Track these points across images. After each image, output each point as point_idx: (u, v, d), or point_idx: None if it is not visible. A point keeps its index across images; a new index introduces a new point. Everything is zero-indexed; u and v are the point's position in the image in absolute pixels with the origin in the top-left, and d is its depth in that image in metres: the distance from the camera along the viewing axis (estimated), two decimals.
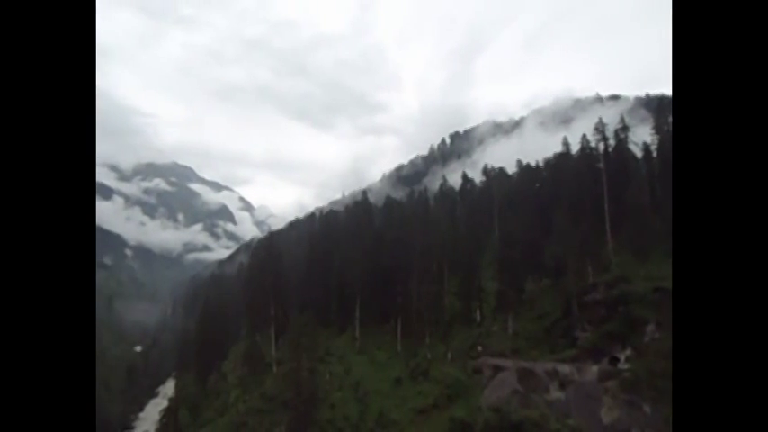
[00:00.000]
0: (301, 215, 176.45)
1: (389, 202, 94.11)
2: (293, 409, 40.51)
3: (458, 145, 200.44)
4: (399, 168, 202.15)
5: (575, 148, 65.71)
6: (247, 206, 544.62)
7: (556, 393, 31.54)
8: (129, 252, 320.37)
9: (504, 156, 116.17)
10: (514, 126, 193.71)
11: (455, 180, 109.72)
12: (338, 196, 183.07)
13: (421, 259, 52.90)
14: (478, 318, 50.08)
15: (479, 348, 42.74)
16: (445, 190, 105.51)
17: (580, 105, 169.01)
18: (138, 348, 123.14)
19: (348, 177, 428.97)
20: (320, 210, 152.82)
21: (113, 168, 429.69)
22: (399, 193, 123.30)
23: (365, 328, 54.01)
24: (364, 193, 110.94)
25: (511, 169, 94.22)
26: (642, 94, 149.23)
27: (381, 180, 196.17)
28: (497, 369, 36.56)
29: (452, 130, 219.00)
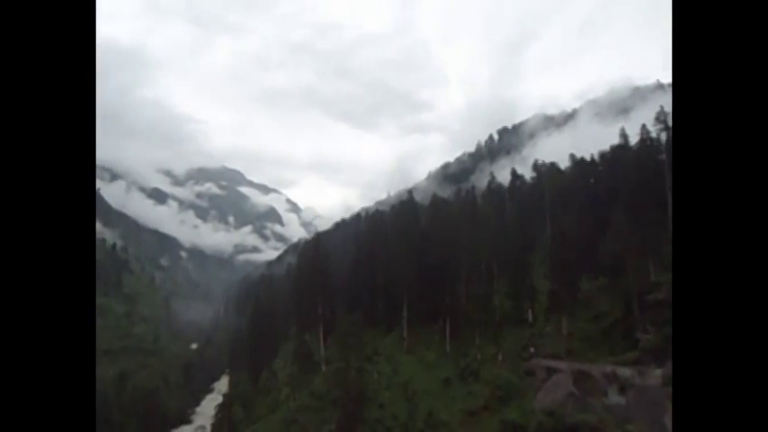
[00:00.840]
0: (347, 216, 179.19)
1: (436, 201, 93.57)
2: (342, 408, 41.46)
3: (506, 140, 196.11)
4: (446, 166, 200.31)
5: (633, 139, 62.52)
6: (294, 208, 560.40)
7: (615, 398, 30.35)
8: (183, 254, 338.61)
9: (557, 150, 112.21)
10: (567, 118, 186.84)
11: (504, 177, 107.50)
12: (384, 196, 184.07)
13: (469, 259, 52.43)
14: (530, 318, 48.97)
15: (532, 350, 41.82)
16: (493, 187, 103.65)
17: (639, 94, 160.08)
18: (194, 346, 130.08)
19: (393, 177, 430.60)
20: (366, 210, 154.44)
21: (168, 174, 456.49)
22: (446, 192, 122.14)
23: (413, 328, 54.24)
24: (410, 192, 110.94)
25: (563, 164, 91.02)
26: None
27: (427, 179, 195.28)
28: (551, 371, 35.66)
29: (500, 126, 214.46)
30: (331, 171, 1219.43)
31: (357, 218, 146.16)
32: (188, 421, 75.42)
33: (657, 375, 30.08)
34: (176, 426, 71.37)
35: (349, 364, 43.85)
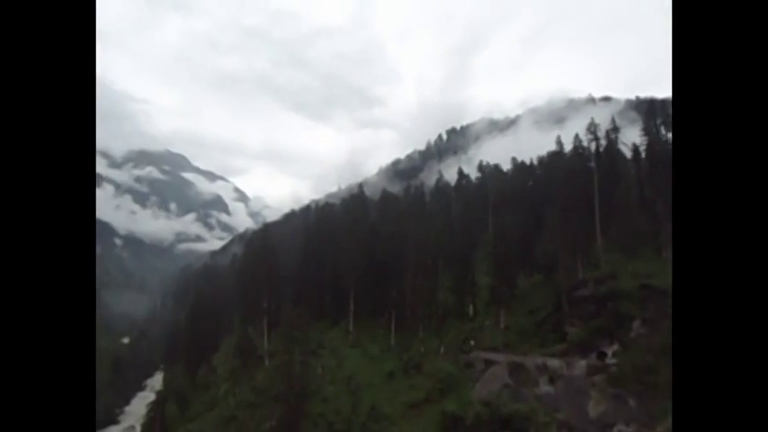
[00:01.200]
0: (297, 207, 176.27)
1: (386, 196, 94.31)
2: (285, 403, 40.91)
3: (454, 141, 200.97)
4: (396, 163, 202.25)
5: (567, 147, 66.96)
6: (242, 197, 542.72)
7: (545, 387, 32.22)
8: (118, 241, 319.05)
9: (500, 153, 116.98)
10: (510, 124, 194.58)
11: (451, 175, 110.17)
12: (334, 189, 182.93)
13: (416, 254, 53.35)
14: (471, 312, 50.70)
15: (472, 343, 43.36)
16: (441, 185, 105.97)
17: (573, 105, 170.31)
18: (126, 340, 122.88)
19: (345, 170, 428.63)
20: (316, 202, 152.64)
21: (104, 155, 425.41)
22: (396, 188, 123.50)
23: (359, 321, 54.50)
24: (360, 186, 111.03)
25: (506, 166, 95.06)
26: (632, 96, 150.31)
27: (378, 174, 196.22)
28: (489, 363, 37.20)
29: (449, 126, 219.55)
30: (282, 161, 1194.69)
31: (307, 210, 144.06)
32: (116, 421, 70.84)
33: (582, 366, 32.26)
34: (102, 426, 66.73)
35: (293, 357, 43.30)
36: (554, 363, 33.32)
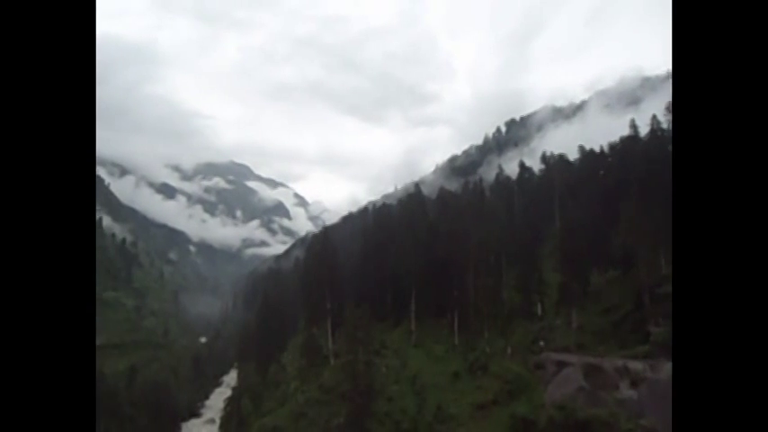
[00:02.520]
0: (354, 209, 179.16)
1: (443, 194, 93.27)
2: (351, 401, 41.54)
3: (514, 133, 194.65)
4: (453, 159, 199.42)
5: (644, 130, 61.82)
6: (302, 202, 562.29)
7: (627, 392, 30.06)
8: (192, 248, 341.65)
9: (565, 142, 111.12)
10: (576, 110, 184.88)
11: (512, 169, 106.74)
12: (391, 190, 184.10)
13: (477, 252, 52.12)
14: (540, 311, 48.68)
15: (541, 343, 41.59)
16: (501, 180, 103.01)
17: (649, 84, 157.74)
18: (203, 339, 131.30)
19: (401, 170, 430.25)
20: (373, 203, 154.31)
21: (176, 169, 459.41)
22: (453, 185, 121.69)
23: (421, 321, 54.17)
24: (417, 185, 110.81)
25: (572, 156, 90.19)
26: None
27: (434, 172, 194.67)
28: (561, 365, 35.42)
29: (508, 118, 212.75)
30: (338, 165, 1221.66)
31: (364, 211, 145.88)
32: (198, 414, 76.22)
33: (669, 369, 29.72)
34: (186, 419, 72.13)
35: (357, 357, 43.87)
36: (636, 365, 31.01)
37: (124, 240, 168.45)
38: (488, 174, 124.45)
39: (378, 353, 49.37)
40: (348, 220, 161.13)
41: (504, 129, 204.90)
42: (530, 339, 43.30)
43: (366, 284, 66.79)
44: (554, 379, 34.65)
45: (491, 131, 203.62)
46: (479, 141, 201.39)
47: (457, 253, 53.49)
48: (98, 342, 76.91)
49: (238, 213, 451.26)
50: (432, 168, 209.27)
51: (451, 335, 49.49)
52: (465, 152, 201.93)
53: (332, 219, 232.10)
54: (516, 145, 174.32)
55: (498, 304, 49.28)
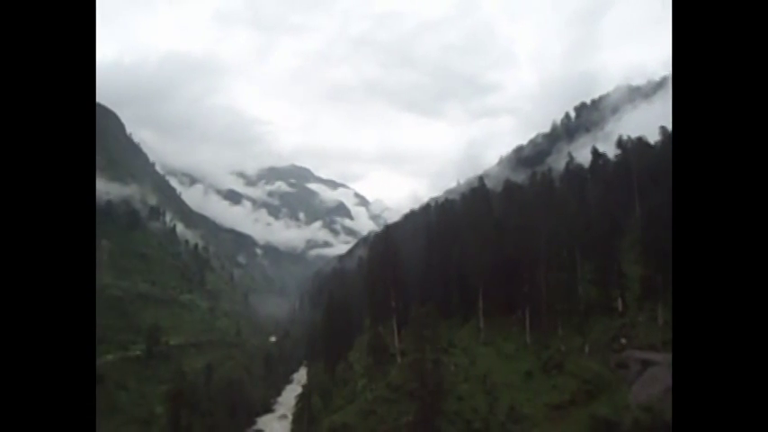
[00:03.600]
0: (416, 206, 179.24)
1: (509, 187, 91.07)
2: (420, 400, 41.89)
3: (585, 117, 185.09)
4: (518, 150, 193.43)
5: None
6: (363, 201, 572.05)
7: None
8: (259, 251, 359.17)
9: (644, 123, 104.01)
10: (656, 88, 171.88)
11: (584, 156, 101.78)
12: (453, 185, 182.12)
13: (548, 245, 50.47)
14: (620, 307, 46.19)
15: (623, 341, 39.51)
16: (572, 168, 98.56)
17: None
18: (273, 339, 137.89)
19: (463, 164, 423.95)
20: (435, 200, 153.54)
21: (241, 175, 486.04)
22: (520, 176, 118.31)
23: (489, 318, 53.38)
24: (480, 179, 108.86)
25: (653, 138, 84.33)
26: None
27: (499, 164, 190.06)
28: (646, 364, 33.55)
29: (578, 102, 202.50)
30: (398, 162, 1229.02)
31: (426, 208, 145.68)
32: (271, 410, 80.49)
33: None
34: (260, 414, 76.53)
35: (425, 355, 44.12)
36: None
37: (196, 246, 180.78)
38: (558, 163, 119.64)
39: (445, 351, 49.30)
40: (410, 217, 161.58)
41: (573, 114, 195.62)
42: (610, 336, 41.25)
43: (431, 282, 66.88)
44: (639, 378, 32.92)
45: (559, 118, 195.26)
46: (546, 129, 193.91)
47: (526, 247, 52.08)
48: (177, 341, 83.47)
49: (301, 215, 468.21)
50: (496, 160, 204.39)
51: (522, 332, 48.33)
52: (531, 141, 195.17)
53: (393, 217, 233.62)
54: (588, 130, 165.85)
55: (573, 300, 47.41)
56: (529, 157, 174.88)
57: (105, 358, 64.64)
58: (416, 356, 45.26)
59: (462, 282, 59.75)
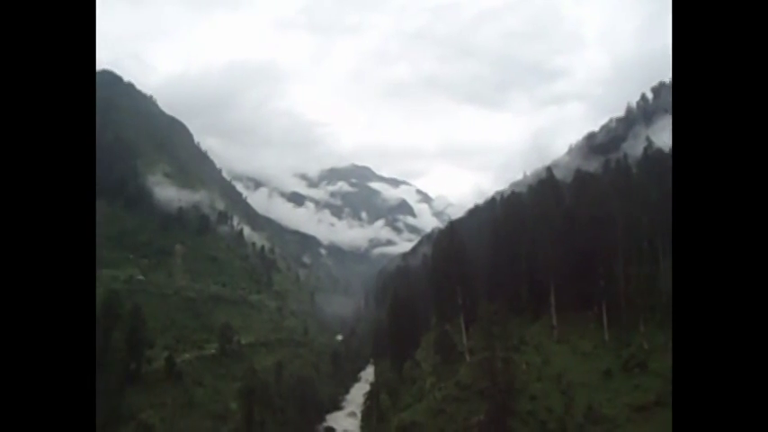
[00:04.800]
0: (481, 201, 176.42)
1: (580, 176, 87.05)
2: (490, 399, 41.61)
3: (665, 98, 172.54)
4: (590, 137, 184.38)
5: None
6: (425, 198, 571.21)
7: None
8: (323, 251, 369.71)
9: None
10: None
11: (664, 141, 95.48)
12: (519, 177, 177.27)
13: (626, 237, 48.12)
14: None
15: None
16: (651, 153, 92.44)
17: None
18: (340, 337, 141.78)
19: (530, 155, 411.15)
20: (501, 193, 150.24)
21: (303, 177, 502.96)
22: (592, 165, 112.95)
23: (562, 315, 51.79)
24: (549, 169, 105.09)
25: None
26: None
27: (569, 153, 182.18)
28: None
29: (655, 82, 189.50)
30: (461, 157, 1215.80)
31: (492, 202, 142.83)
32: (340, 407, 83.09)
33: None
34: (330, 411, 79.27)
35: (494, 354, 43.74)
36: None
37: (263, 248, 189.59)
38: (634, 148, 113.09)
39: (516, 349, 48.56)
40: (474, 212, 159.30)
41: (650, 95, 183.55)
42: None
43: (498, 278, 65.87)
44: None
45: (634, 100, 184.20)
46: (620, 113, 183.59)
47: (601, 240, 49.94)
48: (248, 340, 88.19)
49: (363, 215, 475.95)
50: (565, 150, 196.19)
51: (599, 329, 46.47)
52: (604, 127, 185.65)
53: (457, 213, 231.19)
54: (668, 111, 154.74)
55: (655, 294, 44.89)
56: (601, 144, 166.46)
57: (183, 357, 69.52)
58: (486, 354, 44.95)
59: (532, 277, 58.41)
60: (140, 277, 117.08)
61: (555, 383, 40.75)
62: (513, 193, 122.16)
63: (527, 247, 61.45)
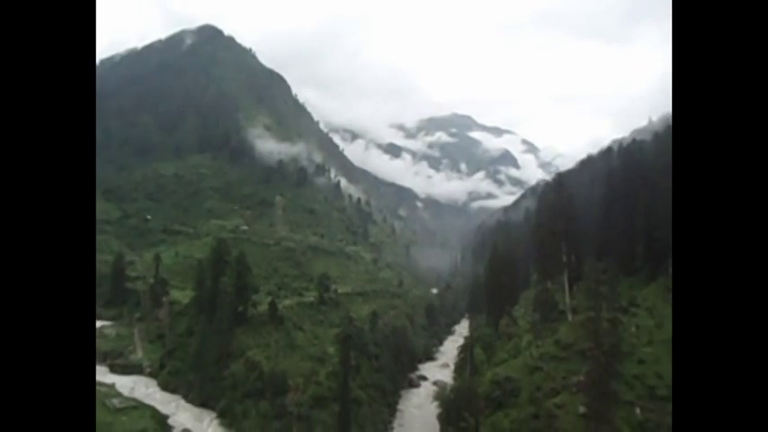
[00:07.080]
0: (595, 151, 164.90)
1: None
2: (593, 360, 40.84)
3: None
4: None
5: None
6: (531, 148, 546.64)
7: None
8: (419, 204, 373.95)
9: None
10: None
11: None
12: (644, 123, 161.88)
13: None
14: None
15: None
16: None
17: None
18: (434, 291, 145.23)
19: (657, 98, 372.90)
20: (619, 142, 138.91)
21: (400, 128, 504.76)
22: None
23: None
24: None
25: None
26: None
27: None
28: None
29: None
30: (574, 101, 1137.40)
31: (608, 152, 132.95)
32: (433, 358, 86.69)
33: None
34: (423, 361, 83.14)
35: (600, 314, 42.45)
36: None
37: (359, 200, 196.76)
38: None
39: (625, 311, 46.64)
40: (587, 163, 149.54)
41: None
42: None
43: (611, 235, 62.62)
44: None
45: None
46: None
47: None
48: (344, 290, 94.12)
49: (462, 166, 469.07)
50: None
51: None
52: None
53: (567, 164, 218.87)
54: None
55: None
56: None
57: (284, 302, 76.79)
58: (590, 315, 43.74)
59: (650, 235, 54.61)
60: (244, 227, 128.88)
61: (667, 348, 38.78)
62: (633, 141, 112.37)
63: (646, 202, 57.23)
